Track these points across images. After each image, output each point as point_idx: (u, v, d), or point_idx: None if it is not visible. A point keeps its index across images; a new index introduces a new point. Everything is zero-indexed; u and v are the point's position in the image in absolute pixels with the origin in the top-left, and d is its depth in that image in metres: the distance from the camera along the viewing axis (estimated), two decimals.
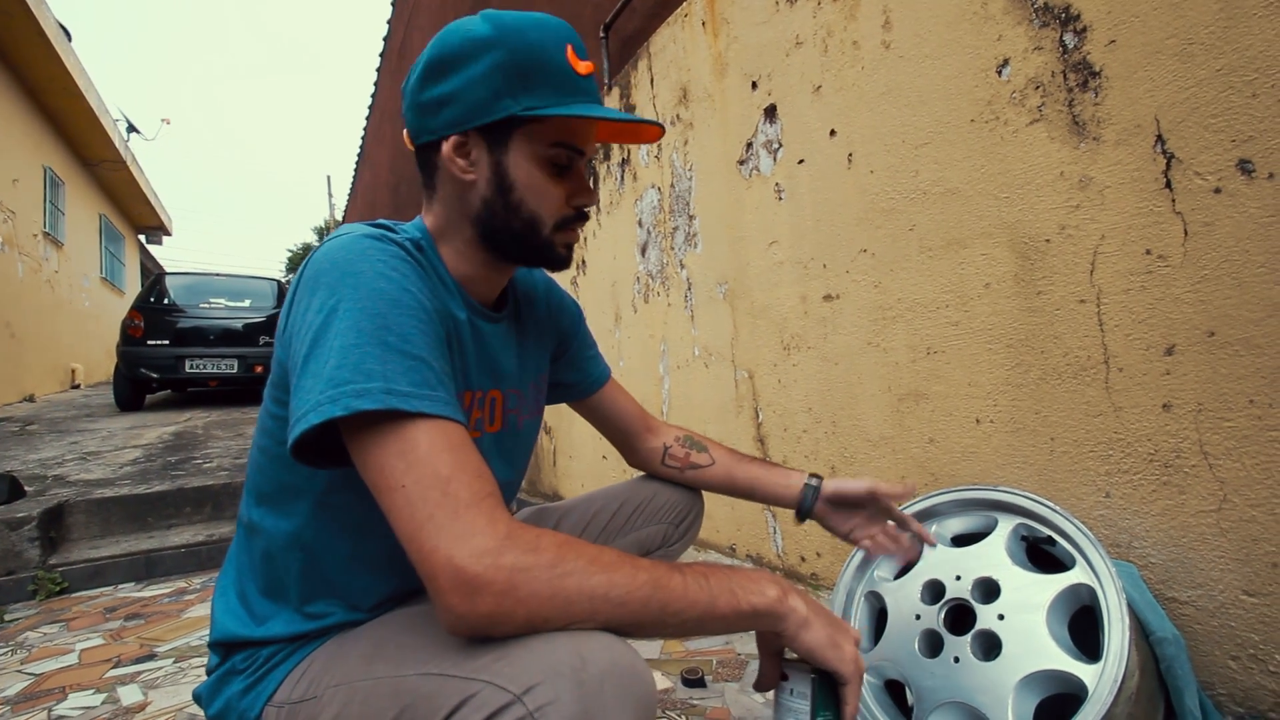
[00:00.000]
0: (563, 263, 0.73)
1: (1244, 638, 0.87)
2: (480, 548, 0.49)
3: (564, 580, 0.50)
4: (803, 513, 0.94)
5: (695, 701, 1.27)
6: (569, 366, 0.94)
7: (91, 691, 1.51)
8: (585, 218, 0.72)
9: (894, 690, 0.98)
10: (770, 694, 0.68)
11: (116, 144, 9.24)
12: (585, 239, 2.81)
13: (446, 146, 0.66)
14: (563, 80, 0.65)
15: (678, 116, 2.09)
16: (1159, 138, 0.92)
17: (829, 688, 0.63)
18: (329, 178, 18.49)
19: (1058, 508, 0.91)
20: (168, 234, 13.56)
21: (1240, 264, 0.85)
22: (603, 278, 2.66)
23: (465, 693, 0.50)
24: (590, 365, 0.96)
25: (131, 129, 10.59)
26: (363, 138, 10.29)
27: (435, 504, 0.50)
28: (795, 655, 0.65)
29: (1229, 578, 0.88)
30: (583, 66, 0.66)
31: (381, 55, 8.50)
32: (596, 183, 2.70)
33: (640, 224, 2.35)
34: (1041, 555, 0.95)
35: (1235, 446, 0.87)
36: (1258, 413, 0.84)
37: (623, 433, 1.00)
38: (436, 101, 0.65)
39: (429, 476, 0.51)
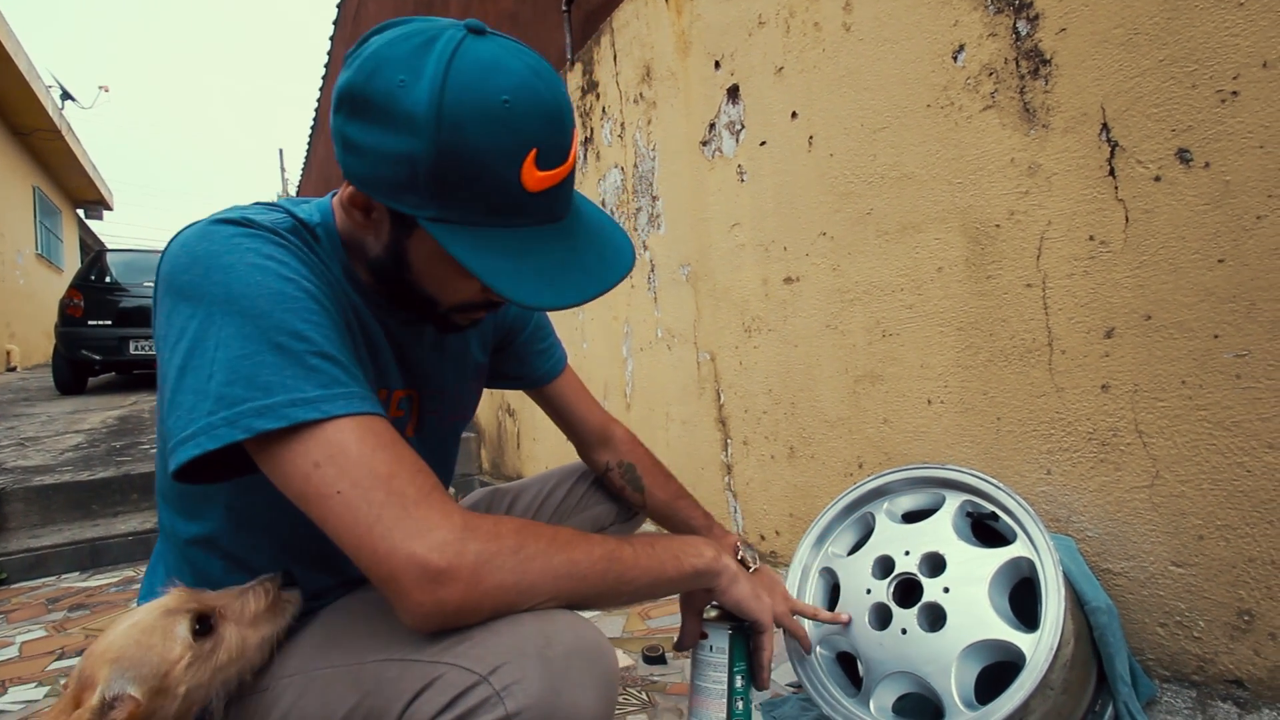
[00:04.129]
0: (457, 330, 0.67)
1: (1171, 606, 0.92)
2: (440, 540, 0.48)
3: (529, 564, 0.51)
4: None
5: (656, 678, 1.29)
6: (513, 359, 0.89)
7: (34, 685, 1.46)
8: (498, 305, 0.65)
9: (845, 662, 1.01)
10: (690, 653, 0.72)
11: (50, 112, 8.72)
12: None
13: (345, 194, 0.57)
14: (499, 197, 0.52)
15: (641, 95, 2.07)
16: (1104, 126, 0.95)
17: (744, 642, 0.69)
18: (281, 151, 17.81)
19: (1001, 485, 0.95)
20: (108, 208, 12.92)
21: (1177, 250, 0.88)
22: None
23: (429, 676, 0.49)
24: (537, 359, 0.90)
25: (66, 96, 9.99)
26: (316, 109, 9.92)
27: (381, 505, 0.48)
28: (713, 616, 0.70)
29: (1159, 550, 0.93)
30: (538, 180, 0.52)
31: (335, 23, 8.18)
32: None
33: (603, 204, 2.33)
34: (986, 530, 0.98)
35: (1168, 425, 0.91)
36: (1189, 393, 0.88)
37: (574, 434, 0.96)
38: (345, 140, 0.54)
39: (367, 478, 0.48)
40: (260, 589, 0.58)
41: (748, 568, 0.88)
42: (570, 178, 0.56)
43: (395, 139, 0.50)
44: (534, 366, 0.90)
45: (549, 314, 0.96)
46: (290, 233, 0.58)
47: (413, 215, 0.52)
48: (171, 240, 0.56)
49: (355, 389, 0.52)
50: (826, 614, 0.89)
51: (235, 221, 0.55)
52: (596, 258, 0.57)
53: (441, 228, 0.52)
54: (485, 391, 0.93)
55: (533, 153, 0.51)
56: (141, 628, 0.52)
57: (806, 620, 1.04)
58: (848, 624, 0.91)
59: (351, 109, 0.53)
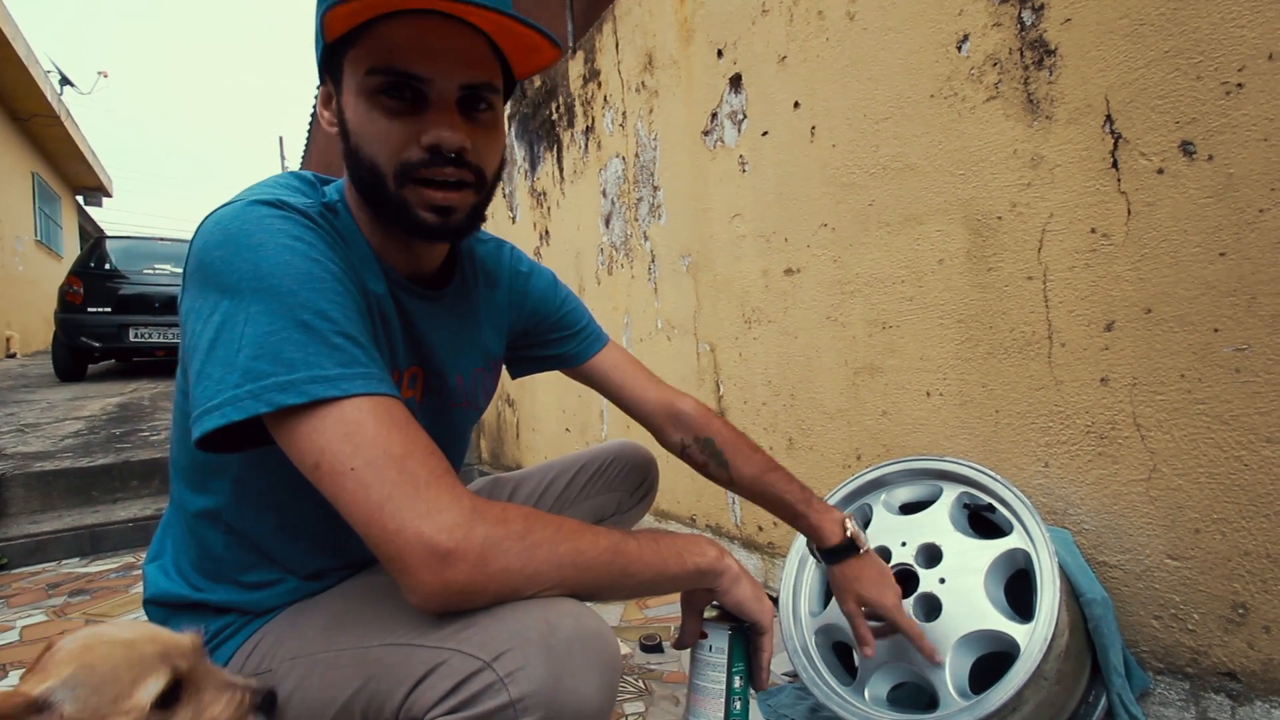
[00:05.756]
0: (425, 228, 0.60)
1: (1166, 599, 0.92)
2: (449, 522, 0.48)
3: (535, 550, 0.51)
4: (829, 557, 0.85)
5: (653, 666, 1.30)
6: (543, 344, 0.90)
7: None
8: (446, 162, 0.57)
9: (841, 651, 1.01)
10: (688, 652, 0.72)
11: (49, 97, 8.66)
12: (549, 209, 2.76)
13: (320, 102, 0.63)
14: None
15: (643, 84, 2.06)
16: (1108, 118, 0.94)
17: (743, 643, 0.69)
18: (281, 138, 17.71)
19: (999, 477, 0.95)
20: (108, 195, 12.85)
21: (1178, 243, 0.88)
22: (566, 248, 2.63)
23: (433, 662, 0.50)
24: (566, 342, 0.89)
25: (65, 82, 9.92)
26: (316, 96, 9.84)
27: (393, 484, 0.49)
28: (713, 615, 0.70)
29: (1155, 543, 0.93)
30: None
31: None
32: (560, 150, 2.65)
33: (604, 194, 2.32)
34: (982, 522, 0.99)
35: (1166, 419, 0.91)
36: (1187, 387, 0.88)
37: (637, 415, 0.91)
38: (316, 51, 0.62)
39: (381, 456, 0.49)
40: (239, 695, 0.54)
41: (858, 548, 0.83)
42: None
43: None
44: (564, 348, 0.89)
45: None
46: (320, 215, 0.60)
47: (326, 46, 0.57)
48: (206, 218, 0.58)
49: (374, 370, 0.54)
50: (928, 645, 0.82)
51: (269, 203, 0.57)
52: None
53: (325, 18, 0.54)
54: None
55: None
56: (130, 653, 0.49)
57: (802, 611, 1.05)
58: (939, 663, 0.83)
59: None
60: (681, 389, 1.95)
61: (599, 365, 0.90)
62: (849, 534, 0.84)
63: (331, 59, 0.59)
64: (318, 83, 0.63)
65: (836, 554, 0.85)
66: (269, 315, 0.51)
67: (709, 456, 0.88)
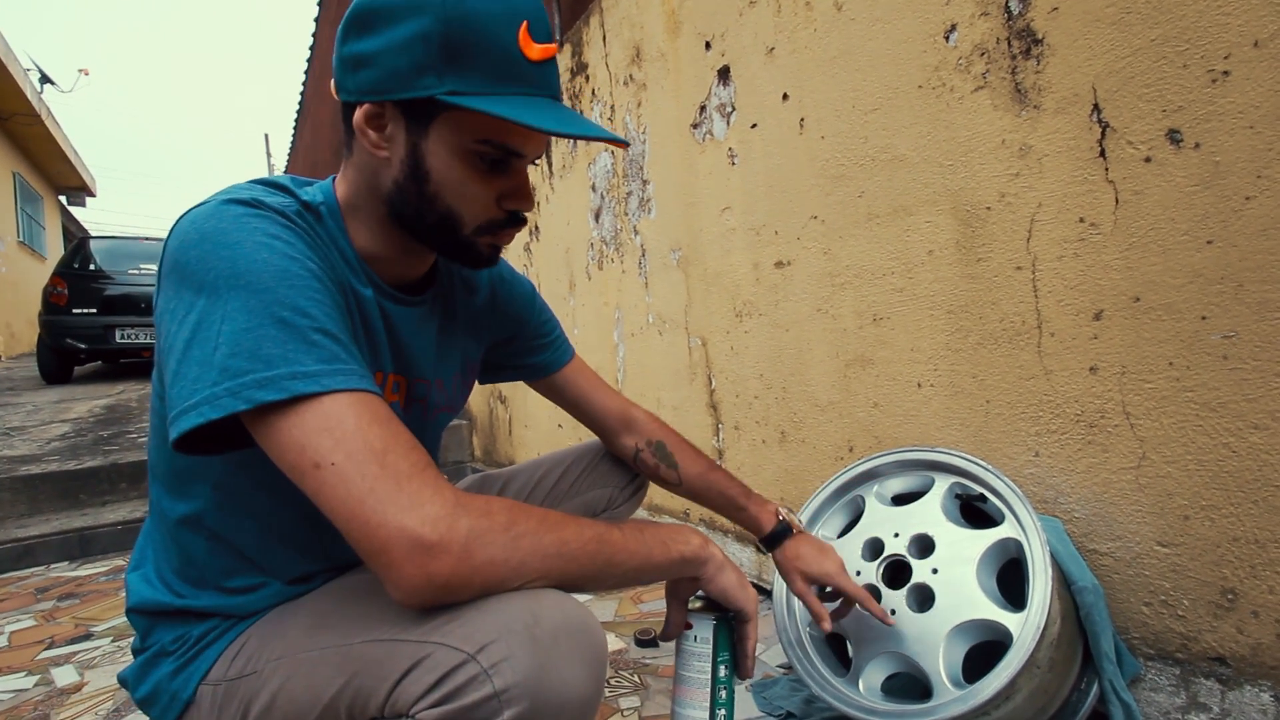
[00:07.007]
0: (485, 263, 0.66)
1: (1156, 585, 0.93)
2: (432, 515, 0.48)
3: (519, 541, 0.51)
4: (769, 544, 0.93)
5: (648, 660, 1.30)
6: (516, 352, 0.90)
7: (23, 674, 1.45)
8: (520, 222, 0.64)
9: (835, 643, 1.02)
10: (674, 643, 0.73)
11: (29, 96, 8.53)
12: (539, 204, 2.74)
13: (359, 114, 0.59)
14: (505, 64, 0.56)
15: (630, 77, 2.04)
16: (1095, 107, 0.94)
17: (728, 632, 0.69)
18: (267, 136, 17.50)
19: (990, 467, 0.95)
20: (91, 195, 12.70)
21: (1166, 232, 0.88)
22: (556, 244, 2.62)
23: (417, 656, 0.50)
24: (540, 352, 0.91)
25: (45, 80, 9.78)
26: (302, 93, 9.76)
27: (374, 478, 0.48)
28: (698, 605, 0.71)
29: (1145, 530, 0.94)
30: (536, 50, 0.57)
31: (319, 4, 8.03)
32: (548, 144, 2.63)
33: (594, 188, 2.31)
34: (974, 512, 0.99)
35: (1155, 407, 0.91)
36: (1176, 374, 0.89)
37: (594, 423, 0.96)
38: (355, 59, 0.58)
39: (362, 450, 0.49)
40: None
41: (792, 529, 0.92)
42: (556, 63, 0.61)
43: (406, 26, 0.55)
44: (537, 357, 0.91)
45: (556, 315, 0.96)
46: (297, 215, 0.59)
47: (430, 96, 0.56)
48: (180, 218, 0.57)
49: (354, 366, 0.53)
50: (878, 608, 0.86)
51: (244, 202, 0.56)
52: (599, 125, 0.63)
53: (460, 97, 0.55)
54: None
55: (524, 23, 0.56)
56: None
57: (796, 603, 1.05)
58: (891, 625, 0.88)
59: (360, 27, 0.57)
60: (674, 384, 1.95)
61: (568, 375, 0.93)
62: (782, 518, 0.92)
63: (419, 105, 0.57)
64: (358, 98, 0.59)
65: (775, 539, 0.92)
66: (246, 312, 0.50)
67: (660, 458, 0.95)
